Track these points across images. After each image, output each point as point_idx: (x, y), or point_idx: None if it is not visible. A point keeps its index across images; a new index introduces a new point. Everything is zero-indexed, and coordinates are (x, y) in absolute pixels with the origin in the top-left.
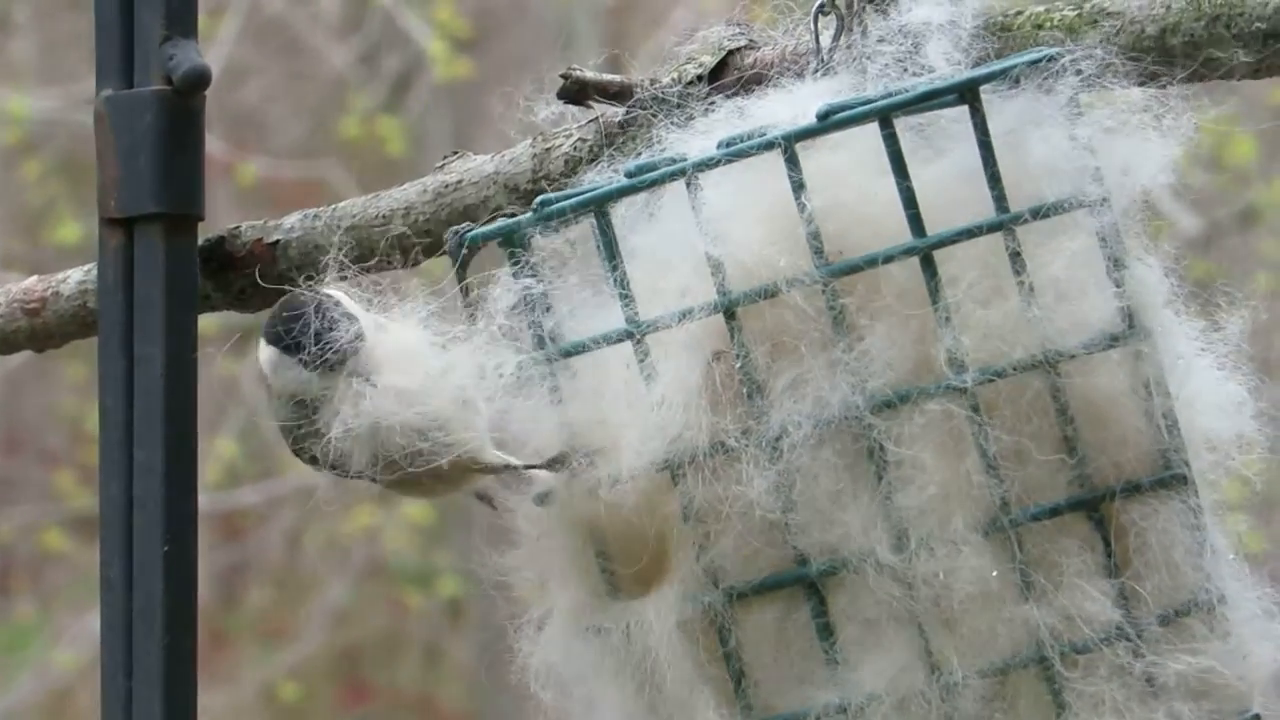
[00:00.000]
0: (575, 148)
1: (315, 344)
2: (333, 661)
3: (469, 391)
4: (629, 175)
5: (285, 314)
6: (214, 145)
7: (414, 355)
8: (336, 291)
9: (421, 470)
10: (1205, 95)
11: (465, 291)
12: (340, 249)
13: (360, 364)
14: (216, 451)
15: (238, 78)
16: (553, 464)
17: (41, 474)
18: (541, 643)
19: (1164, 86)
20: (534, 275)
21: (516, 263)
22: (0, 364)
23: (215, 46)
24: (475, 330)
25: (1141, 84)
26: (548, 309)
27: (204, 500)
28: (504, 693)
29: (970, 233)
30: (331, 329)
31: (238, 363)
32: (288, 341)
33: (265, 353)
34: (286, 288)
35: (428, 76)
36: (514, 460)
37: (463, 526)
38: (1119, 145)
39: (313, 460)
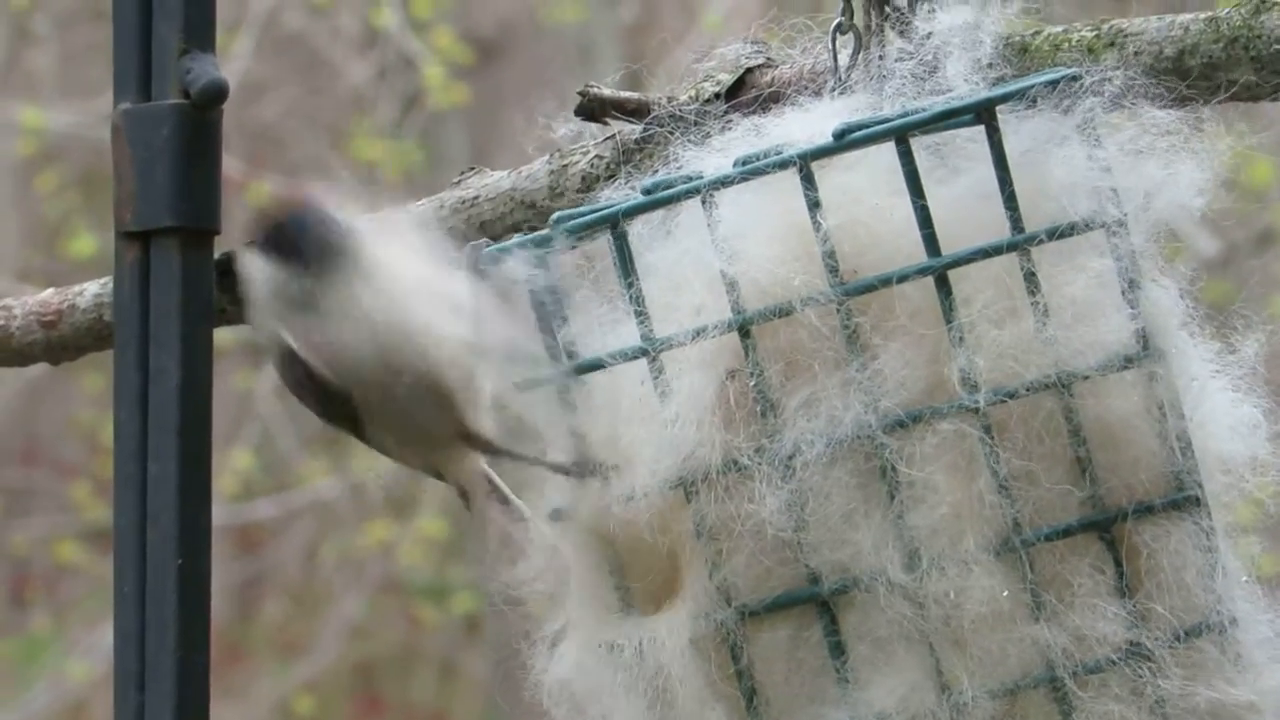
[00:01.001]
0: (592, 164)
1: (313, 246)
2: (347, 676)
3: (461, 301)
4: (645, 192)
5: (279, 218)
6: (230, 164)
7: (410, 260)
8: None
9: (418, 408)
10: (1240, 118)
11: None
12: None
13: (358, 265)
14: (231, 464)
15: (254, 93)
16: (576, 470)
17: (57, 486)
18: (555, 659)
19: (1193, 109)
20: (549, 291)
21: (532, 279)
22: (17, 376)
23: (231, 62)
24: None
25: (1169, 106)
26: (563, 324)
27: (218, 513)
28: (518, 709)
29: (985, 253)
30: (327, 226)
31: (253, 376)
32: (287, 248)
33: (256, 263)
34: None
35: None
36: (525, 452)
37: (478, 542)
38: (1145, 167)
39: (302, 385)
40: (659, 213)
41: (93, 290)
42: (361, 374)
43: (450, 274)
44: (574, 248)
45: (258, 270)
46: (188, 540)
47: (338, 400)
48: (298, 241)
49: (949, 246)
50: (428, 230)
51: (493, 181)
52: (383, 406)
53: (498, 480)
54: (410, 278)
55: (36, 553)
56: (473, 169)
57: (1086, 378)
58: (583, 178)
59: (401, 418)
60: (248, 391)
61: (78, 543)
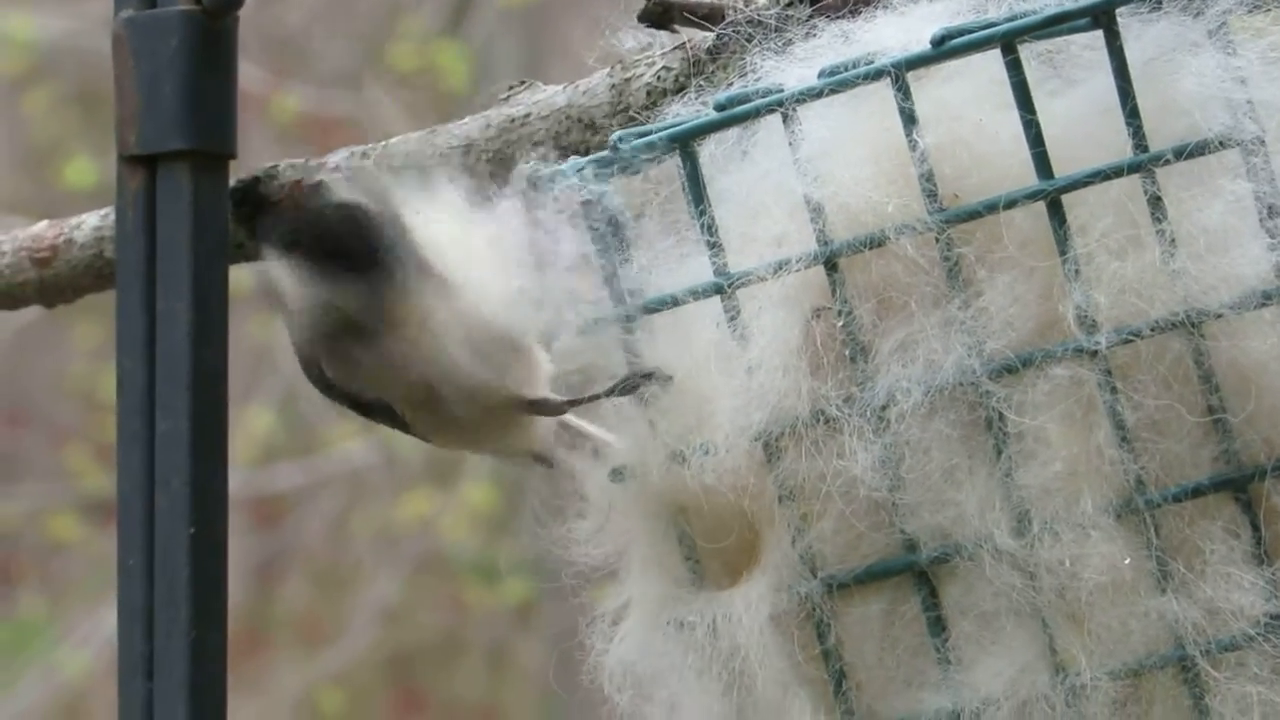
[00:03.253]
0: (659, 77)
1: (361, 247)
2: (382, 666)
3: (534, 292)
4: (719, 108)
5: (307, 214)
6: (248, 75)
7: (473, 248)
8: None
9: (477, 411)
10: None
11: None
12: None
13: (419, 264)
14: (249, 424)
15: None
16: (628, 387)
17: (49, 450)
18: (617, 639)
19: None
20: (610, 221)
21: (590, 207)
22: (4, 322)
23: None
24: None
25: None
26: (626, 259)
27: (235, 480)
28: (576, 696)
29: (1104, 175)
30: (374, 225)
31: (273, 323)
32: (329, 247)
33: (285, 273)
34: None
35: None
36: (596, 391)
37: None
38: None
39: (331, 389)
40: (734, 131)
41: (92, 223)
42: (415, 393)
43: (496, 222)
44: (638, 172)
45: (288, 282)
46: (201, 506)
47: (378, 407)
48: (341, 243)
49: (1063, 168)
50: (445, 168)
51: (546, 97)
52: (437, 410)
53: (576, 422)
54: (474, 264)
55: (26, 527)
56: (523, 82)
57: (1219, 316)
58: (648, 92)
59: (457, 418)
60: (267, 341)
61: (73, 515)
